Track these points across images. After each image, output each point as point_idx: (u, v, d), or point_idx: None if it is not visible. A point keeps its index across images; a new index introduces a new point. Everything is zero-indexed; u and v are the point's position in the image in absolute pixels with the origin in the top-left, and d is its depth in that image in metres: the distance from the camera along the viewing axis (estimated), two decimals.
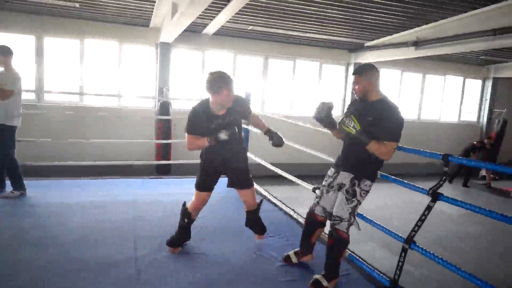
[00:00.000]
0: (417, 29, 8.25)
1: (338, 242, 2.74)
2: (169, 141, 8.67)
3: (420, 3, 6.71)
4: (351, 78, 11.21)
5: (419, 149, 2.70)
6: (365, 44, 10.11)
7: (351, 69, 11.32)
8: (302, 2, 6.92)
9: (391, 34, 8.97)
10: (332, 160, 3.24)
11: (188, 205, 3.34)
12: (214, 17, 7.77)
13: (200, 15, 6.62)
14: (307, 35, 9.33)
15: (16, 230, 3.63)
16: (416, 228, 2.33)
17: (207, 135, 3.05)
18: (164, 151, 9.15)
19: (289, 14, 7.66)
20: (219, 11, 7.27)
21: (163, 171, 9.00)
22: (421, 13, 7.33)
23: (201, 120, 3.09)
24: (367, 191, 2.76)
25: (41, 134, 6.29)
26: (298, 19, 8.02)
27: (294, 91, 10.95)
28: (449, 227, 7.31)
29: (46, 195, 4.72)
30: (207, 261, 3.18)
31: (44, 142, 6.09)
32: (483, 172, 12.21)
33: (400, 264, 2.34)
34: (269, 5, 7.17)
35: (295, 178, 4.28)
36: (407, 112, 12.66)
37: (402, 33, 8.72)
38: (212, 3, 5.91)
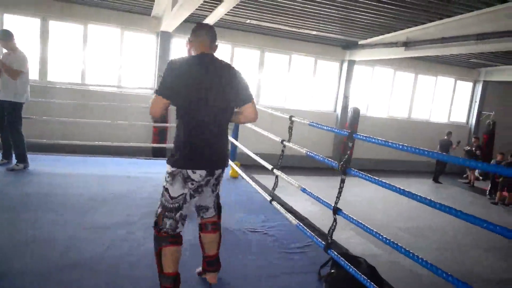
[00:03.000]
0: (407, 30, 8.62)
1: (153, 238, 2.34)
2: (165, 125, 9.04)
3: (408, 6, 7.07)
4: (345, 74, 11.62)
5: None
6: (359, 42, 10.47)
7: (345, 66, 11.69)
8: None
9: (383, 34, 9.33)
10: (303, 151, 3.43)
11: None
12: (213, 9, 8.10)
13: (199, 6, 6.96)
14: (302, 31, 9.69)
15: (20, 196, 4.05)
16: (337, 200, 2.71)
17: None
18: (160, 136, 9.55)
19: (285, 9, 8.01)
20: (218, 3, 7.61)
21: (159, 154, 9.39)
22: (410, 15, 7.70)
23: None
24: (168, 174, 2.28)
25: (44, 114, 6.66)
26: (294, 15, 8.37)
27: (289, 85, 11.34)
28: (427, 218, 7.73)
29: (48, 168, 5.15)
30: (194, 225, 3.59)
31: (47, 120, 6.48)
32: (468, 172, 12.69)
33: (332, 229, 2.71)
34: (265, 0, 7.52)
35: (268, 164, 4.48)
36: (398, 111, 13.08)
37: (393, 34, 9.08)
38: None
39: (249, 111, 2.44)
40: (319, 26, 9.16)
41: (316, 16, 8.29)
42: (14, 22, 8.49)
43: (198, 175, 2.26)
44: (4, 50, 4.94)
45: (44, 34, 8.89)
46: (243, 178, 5.31)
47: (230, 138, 5.90)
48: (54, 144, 6.19)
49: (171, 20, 7.96)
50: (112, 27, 9.37)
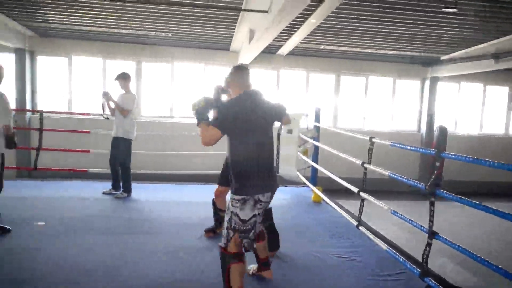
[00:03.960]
0: (495, 41, 8.02)
1: (220, 256, 2.67)
2: None
3: (495, 16, 6.63)
4: (427, 91, 11.02)
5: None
6: (441, 58, 9.96)
7: (427, 83, 11.14)
8: (373, 21, 7.22)
9: (468, 48, 8.79)
10: (386, 173, 3.41)
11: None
12: (287, 39, 8.40)
13: (274, 38, 7.27)
14: (379, 51, 9.53)
15: (122, 220, 4.60)
16: (431, 223, 2.58)
17: None
18: None
19: (360, 32, 8.00)
20: (293, 33, 7.88)
21: None
22: (497, 26, 7.19)
23: None
24: (237, 200, 2.55)
25: (139, 147, 7.39)
26: (370, 37, 8.31)
27: (367, 107, 11.10)
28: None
29: (146, 195, 5.79)
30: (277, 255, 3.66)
31: (142, 153, 7.22)
32: None
33: (426, 254, 2.57)
34: (340, 26, 7.59)
35: (353, 187, 4.39)
36: (492, 127, 12.00)
37: (480, 46, 8.51)
38: (286, 27, 6.52)
39: (287, 119, 3.06)
40: (396, 45, 8.95)
41: (393, 35, 8.13)
42: (113, 67, 9.65)
43: (266, 197, 2.62)
44: (121, 91, 5.59)
45: (138, 74, 9.95)
46: (326, 203, 5.29)
47: (310, 162, 5.96)
48: (149, 174, 6.82)
49: (248, 53, 8.40)
50: (196, 63, 10.16)
